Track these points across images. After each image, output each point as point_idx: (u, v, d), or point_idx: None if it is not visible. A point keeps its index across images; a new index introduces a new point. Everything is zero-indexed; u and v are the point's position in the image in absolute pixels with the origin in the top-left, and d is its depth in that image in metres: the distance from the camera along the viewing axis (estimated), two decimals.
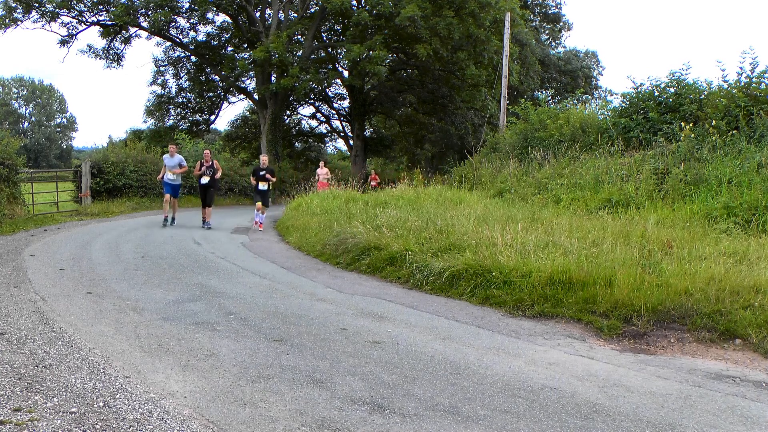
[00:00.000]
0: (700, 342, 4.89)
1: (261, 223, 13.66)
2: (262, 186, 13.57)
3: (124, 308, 5.78)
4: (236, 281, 7.40)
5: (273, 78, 27.11)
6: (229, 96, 32.49)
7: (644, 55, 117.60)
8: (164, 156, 14.08)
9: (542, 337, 5.20)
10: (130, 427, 3.19)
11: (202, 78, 30.95)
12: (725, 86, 11.90)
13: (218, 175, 13.93)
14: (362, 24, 24.38)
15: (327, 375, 4.09)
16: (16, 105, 73.20)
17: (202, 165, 13.72)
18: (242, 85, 30.59)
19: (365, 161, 34.44)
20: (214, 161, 14.00)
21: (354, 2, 27.29)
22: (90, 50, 27.94)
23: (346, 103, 34.88)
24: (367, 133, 35.88)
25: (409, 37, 24.93)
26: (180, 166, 13.79)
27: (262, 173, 13.56)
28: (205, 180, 13.67)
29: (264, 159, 14.04)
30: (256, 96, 28.68)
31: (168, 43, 30.11)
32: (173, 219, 13.90)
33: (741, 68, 11.64)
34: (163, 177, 13.83)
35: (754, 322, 4.82)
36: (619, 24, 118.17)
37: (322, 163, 23.10)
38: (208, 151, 14.27)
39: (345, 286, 7.30)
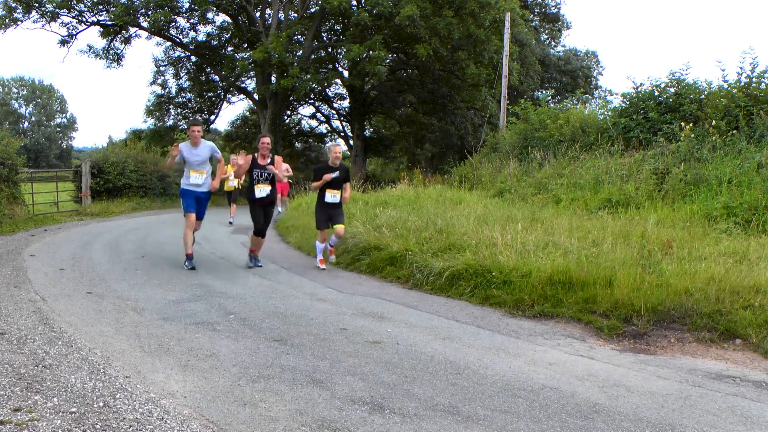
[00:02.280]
0: (700, 342, 4.89)
1: (328, 254, 8.65)
2: (332, 196, 8.15)
3: (124, 308, 5.78)
4: (236, 281, 7.40)
5: (273, 78, 27.08)
6: (229, 96, 32.48)
7: (644, 55, 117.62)
8: (181, 146, 7.94)
9: (542, 337, 5.20)
10: (130, 427, 3.19)
11: (202, 78, 30.94)
12: (725, 86, 11.92)
13: (285, 178, 7.68)
14: (362, 24, 24.36)
15: (327, 375, 4.09)
16: (16, 105, 73.29)
17: (255, 163, 8.02)
18: (242, 85, 30.59)
19: (365, 161, 34.43)
20: (276, 157, 8.24)
21: (354, 2, 27.28)
22: (90, 50, 27.92)
23: (346, 103, 34.87)
24: (367, 133, 35.85)
25: (409, 37, 24.91)
26: (212, 159, 8.26)
27: (335, 175, 8.10)
28: (263, 192, 8.09)
29: (337, 151, 8.24)
30: (256, 96, 28.66)
31: (168, 43, 30.10)
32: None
33: (741, 68, 11.68)
34: (182, 176, 8.16)
35: (754, 322, 4.82)
36: (619, 24, 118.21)
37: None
38: (267, 138, 8.13)
39: (345, 286, 7.30)
